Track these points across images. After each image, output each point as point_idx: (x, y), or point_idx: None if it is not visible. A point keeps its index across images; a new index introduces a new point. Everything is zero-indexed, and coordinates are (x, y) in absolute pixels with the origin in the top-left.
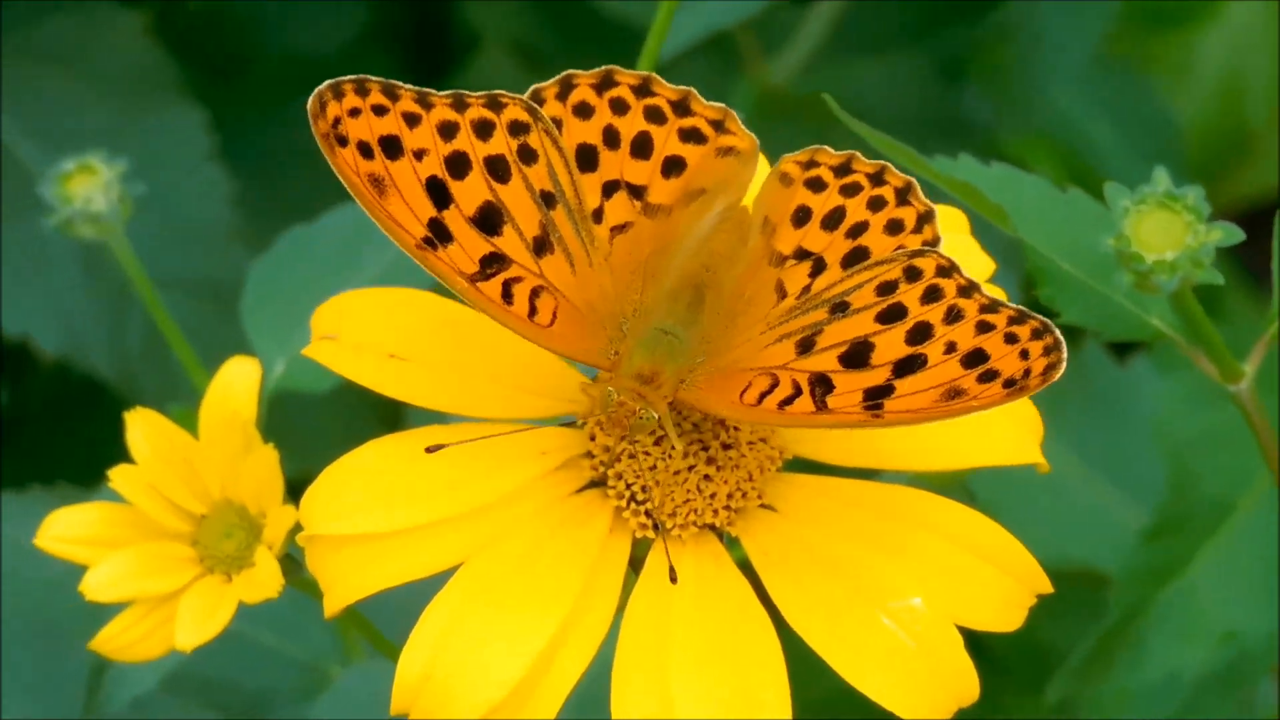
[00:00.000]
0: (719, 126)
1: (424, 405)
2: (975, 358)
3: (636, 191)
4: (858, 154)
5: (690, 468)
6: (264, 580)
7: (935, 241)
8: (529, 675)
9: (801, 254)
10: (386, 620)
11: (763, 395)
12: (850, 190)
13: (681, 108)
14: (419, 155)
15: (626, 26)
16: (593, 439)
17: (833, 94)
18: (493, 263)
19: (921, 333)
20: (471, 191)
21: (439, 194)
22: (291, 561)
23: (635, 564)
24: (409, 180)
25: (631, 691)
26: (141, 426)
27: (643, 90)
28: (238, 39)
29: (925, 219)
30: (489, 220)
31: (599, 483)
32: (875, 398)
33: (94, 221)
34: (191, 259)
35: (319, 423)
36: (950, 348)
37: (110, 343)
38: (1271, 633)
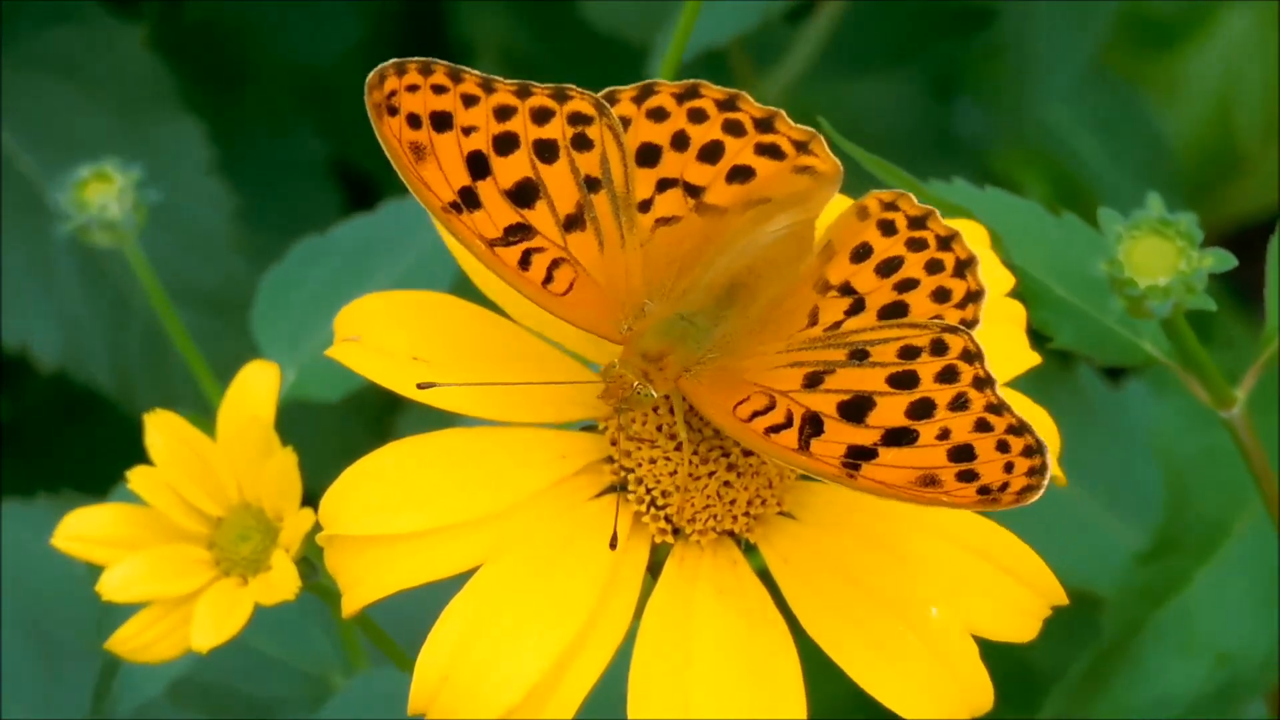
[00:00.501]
0: (802, 147)
1: (445, 408)
2: (963, 453)
3: (693, 190)
4: (936, 211)
5: (710, 474)
6: (280, 583)
7: (974, 323)
8: (547, 677)
9: (846, 289)
10: (392, 626)
11: (755, 414)
12: (916, 245)
13: (765, 125)
14: (467, 131)
15: (619, 41)
16: (614, 444)
17: (825, 111)
18: (517, 232)
19: (923, 409)
20: (512, 168)
21: (478, 167)
22: (307, 565)
23: (653, 569)
24: (450, 152)
25: (649, 693)
26: (160, 428)
27: (727, 105)
28: (233, 50)
29: (972, 297)
30: (523, 194)
31: (619, 487)
32: (856, 458)
33: (109, 229)
34: (191, 269)
35: (313, 432)
36: (944, 434)
37: (110, 352)
38: (1266, 655)
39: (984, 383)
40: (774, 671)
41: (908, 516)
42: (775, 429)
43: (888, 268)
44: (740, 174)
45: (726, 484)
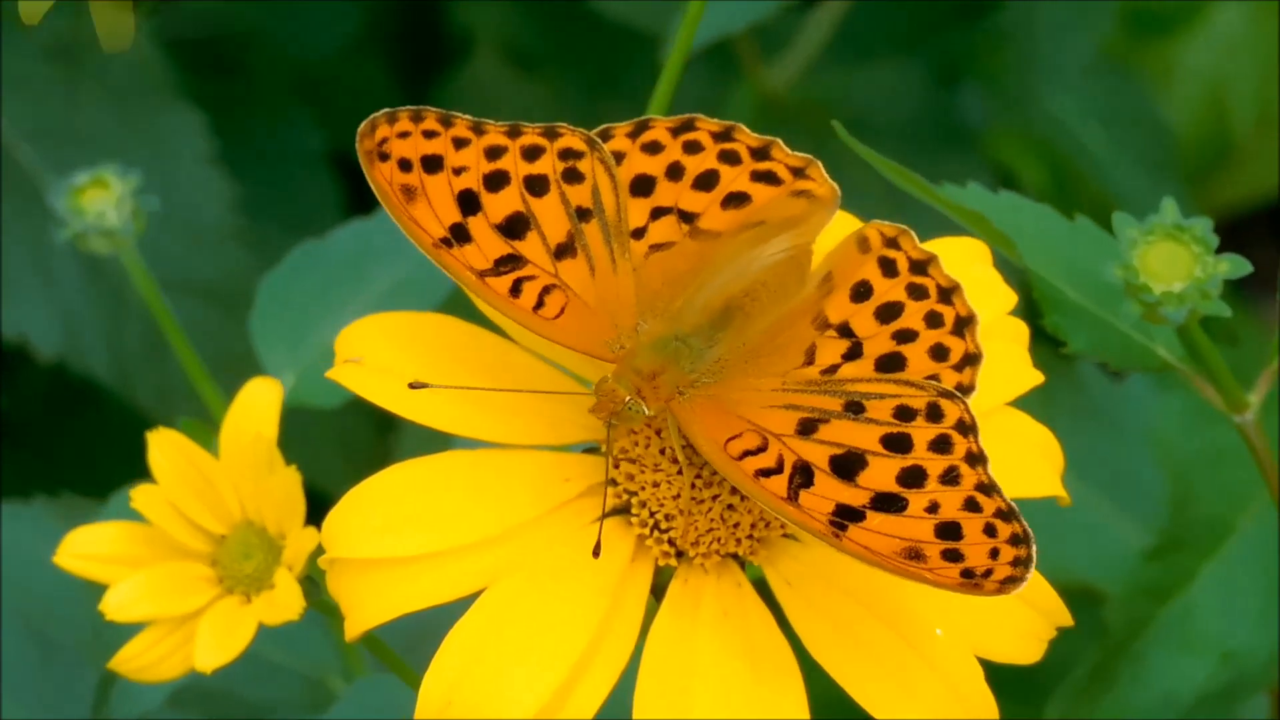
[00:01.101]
0: (799, 173)
1: (448, 430)
2: (949, 531)
3: (687, 217)
4: (938, 258)
5: (714, 497)
6: (285, 602)
7: (970, 389)
8: (552, 701)
9: (845, 331)
10: (390, 633)
11: (746, 453)
12: (917, 292)
13: (761, 154)
14: (458, 171)
15: (624, 29)
16: (616, 466)
17: (830, 100)
18: (507, 262)
19: (914, 478)
20: (502, 203)
21: (469, 204)
22: (310, 583)
23: (657, 591)
24: (441, 192)
25: (654, 717)
26: (163, 446)
27: (723, 136)
28: (232, 41)
29: (969, 360)
30: (514, 227)
31: (622, 510)
32: (844, 517)
33: (106, 236)
34: (190, 261)
35: (313, 431)
36: (933, 508)
37: (109, 346)
38: (1270, 653)
39: (976, 459)
40: (779, 694)
41: None
42: (766, 473)
43: (887, 313)
44: (736, 200)
45: (730, 507)
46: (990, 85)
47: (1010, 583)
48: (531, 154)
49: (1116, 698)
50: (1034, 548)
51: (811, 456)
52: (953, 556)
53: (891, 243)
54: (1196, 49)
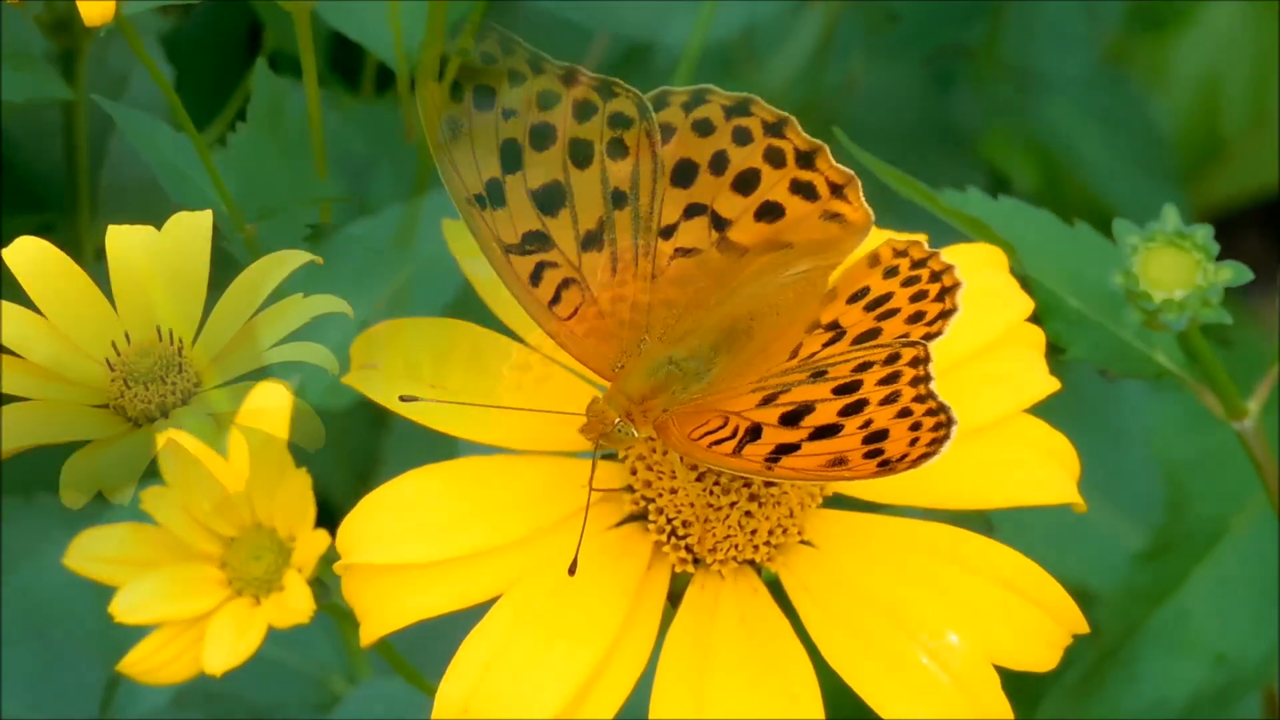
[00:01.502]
0: (837, 190)
1: (464, 437)
2: (877, 436)
3: (720, 223)
4: (940, 253)
5: (732, 504)
6: (295, 605)
7: (937, 335)
8: (568, 708)
9: (832, 325)
10: (397, 636)
11: (707, 433)
12: (909, 281)
13: (806, 159)
14: (507, 114)
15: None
16: (634, 473)
17: (825, 100)
18: (535, 240)
19: (854, 408)
20: (544, 166)
21: (511, 158)
22: (320, 586)
23: (673, 597)
24: (487, 136)
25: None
26: (173, 447)
27: (774, 130)
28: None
29: (944, 315)
30: (549, 199)
31: (639, 516)
32: (779, 453)
33: None
34: None
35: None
36: (866, 424)
37: None
38: (1263, 656)
39: (919, 380)
40: (794, 699)
41: (929, 544)
42: (718, 441)
43: (876, 303)
44: (770, 211)
45: (748, 514)
46: (985, 86)
47: (924, 458)
48: (583, 112)
49: (1109, 700)
50: (954, 430)
51: (763, 418)
52: (874, 455)
53: (901, 253)
54: (1191, 46)
